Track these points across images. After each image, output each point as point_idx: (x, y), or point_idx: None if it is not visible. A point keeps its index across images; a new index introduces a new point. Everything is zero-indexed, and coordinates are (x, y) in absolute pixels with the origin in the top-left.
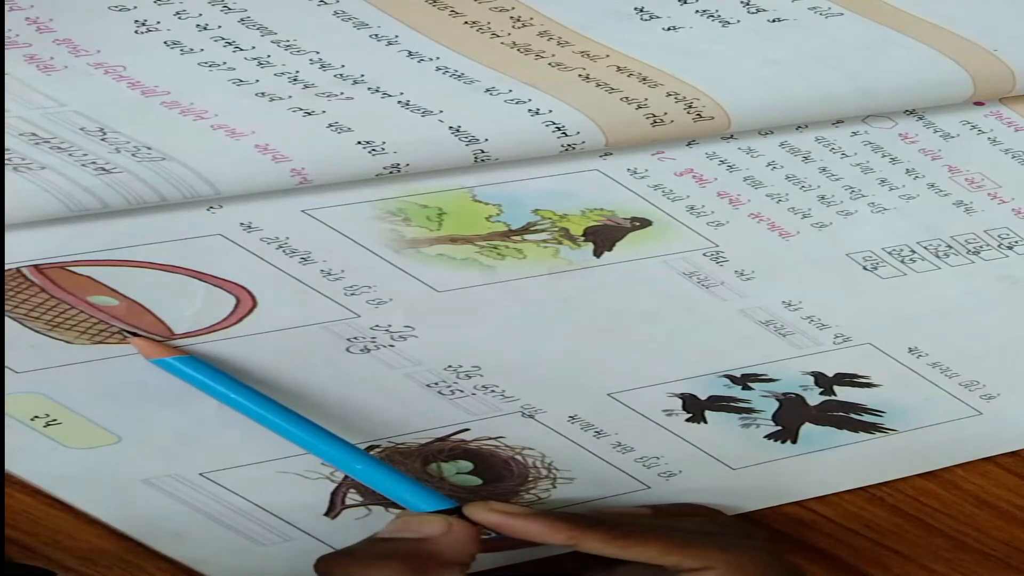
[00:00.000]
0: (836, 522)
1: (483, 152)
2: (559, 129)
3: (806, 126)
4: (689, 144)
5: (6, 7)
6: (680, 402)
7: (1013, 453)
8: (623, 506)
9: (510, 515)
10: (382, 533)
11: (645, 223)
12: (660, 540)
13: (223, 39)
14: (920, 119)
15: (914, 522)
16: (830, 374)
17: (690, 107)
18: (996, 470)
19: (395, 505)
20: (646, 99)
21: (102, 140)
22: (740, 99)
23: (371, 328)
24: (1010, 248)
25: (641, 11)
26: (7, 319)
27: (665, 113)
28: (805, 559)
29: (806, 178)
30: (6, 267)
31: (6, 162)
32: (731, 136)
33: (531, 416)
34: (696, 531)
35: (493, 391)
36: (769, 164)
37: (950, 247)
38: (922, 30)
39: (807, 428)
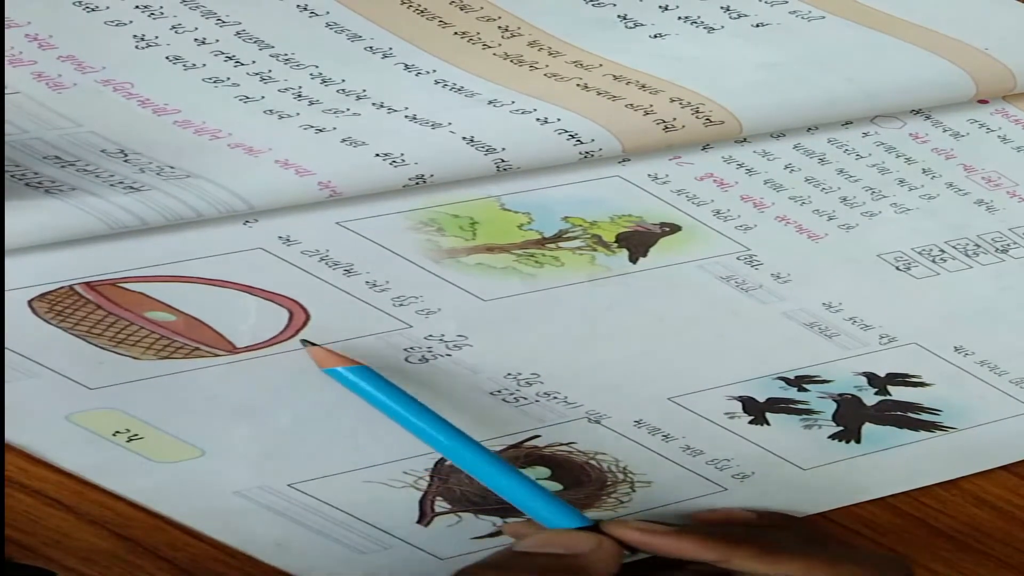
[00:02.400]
0: (836, 522)
1: (503, 161)
2: (572, 136)
3: (816, 128)
4: (704, 148)
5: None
6: (740, 404)
7: None
8: (724, 508)
9: (656, 533)
10: (523, 547)
11: (675, 228)
12: (806, 558)
13: (223, 53)
14: (928, 119)
15: (914, 522)
16: (882, 374)
17: (697, 112)
18: (996, 470)
19: (485, 512)
20: (651, 105)
21: (124, 161)
22: (745, 103)
23: (425, 338)
24: None
25: (624, 19)
26: (71, 336)
27: (674, 119)
28: None
29: (825, 180)
30: (57, 285)
31: (37, 184)
32: (744, 140)
33: (597, 422)
34: (832, 547)
35: (555, 397)
36: (787, 167)
37: (978, 246)
38: (908, 31)
39: (869, 428)
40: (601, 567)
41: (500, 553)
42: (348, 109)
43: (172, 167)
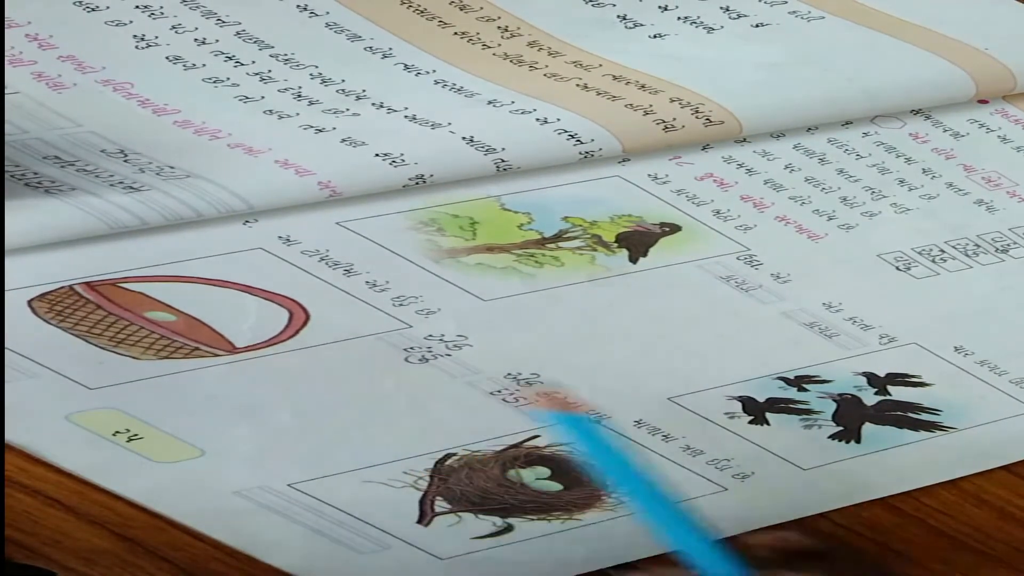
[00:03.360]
0: (836, 522)
1: (503, 161)
2: (572, 137)
3: (816, 128)
4: (704, 148)
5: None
6: (740, 404)
7: None
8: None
9: None
10: None
11: (675, 228)
12: None
13: (223, 53)
14: (928, 118)
15: (914, 522)
16: (881, 374)
17: (697, 112)
18: (996, 470)
19: (485, 512)
20: (651, 105)
21: (124, 161)
22: (745, 103)
23: (425, 338)
24: None
25: (624, 19)
26: (71, 336)
27: (674, 119)
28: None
29: (825, 180)
30: (57, 285)
31: (37, 185)
32: (744, 140)
33: (597, 422)
34: None
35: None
36: (787, 167)
37: (978, 246)
38: (908, 31)
39: (869, 428)
40: None
41: None
42: (348, 109)
43: (172, 167)
